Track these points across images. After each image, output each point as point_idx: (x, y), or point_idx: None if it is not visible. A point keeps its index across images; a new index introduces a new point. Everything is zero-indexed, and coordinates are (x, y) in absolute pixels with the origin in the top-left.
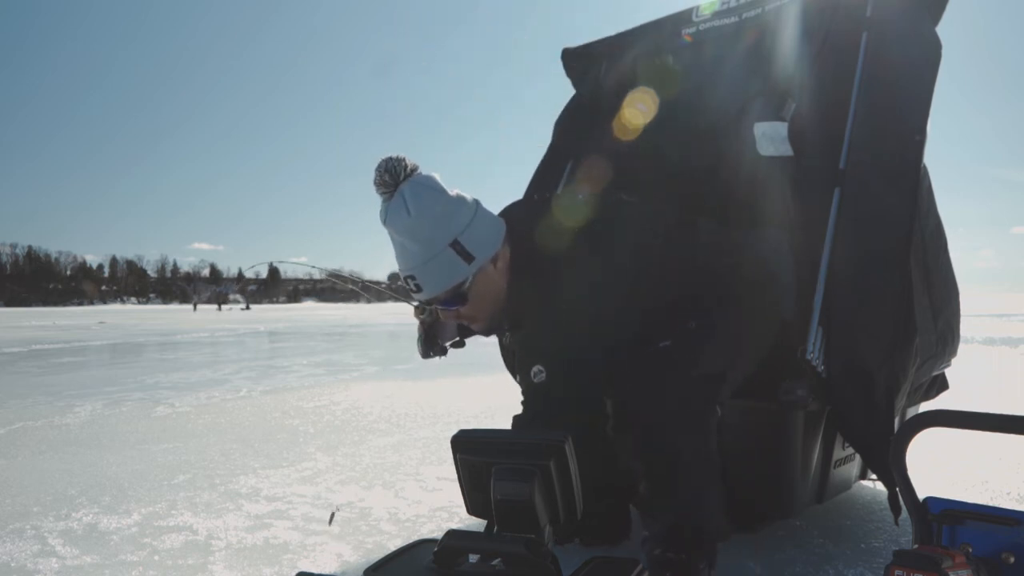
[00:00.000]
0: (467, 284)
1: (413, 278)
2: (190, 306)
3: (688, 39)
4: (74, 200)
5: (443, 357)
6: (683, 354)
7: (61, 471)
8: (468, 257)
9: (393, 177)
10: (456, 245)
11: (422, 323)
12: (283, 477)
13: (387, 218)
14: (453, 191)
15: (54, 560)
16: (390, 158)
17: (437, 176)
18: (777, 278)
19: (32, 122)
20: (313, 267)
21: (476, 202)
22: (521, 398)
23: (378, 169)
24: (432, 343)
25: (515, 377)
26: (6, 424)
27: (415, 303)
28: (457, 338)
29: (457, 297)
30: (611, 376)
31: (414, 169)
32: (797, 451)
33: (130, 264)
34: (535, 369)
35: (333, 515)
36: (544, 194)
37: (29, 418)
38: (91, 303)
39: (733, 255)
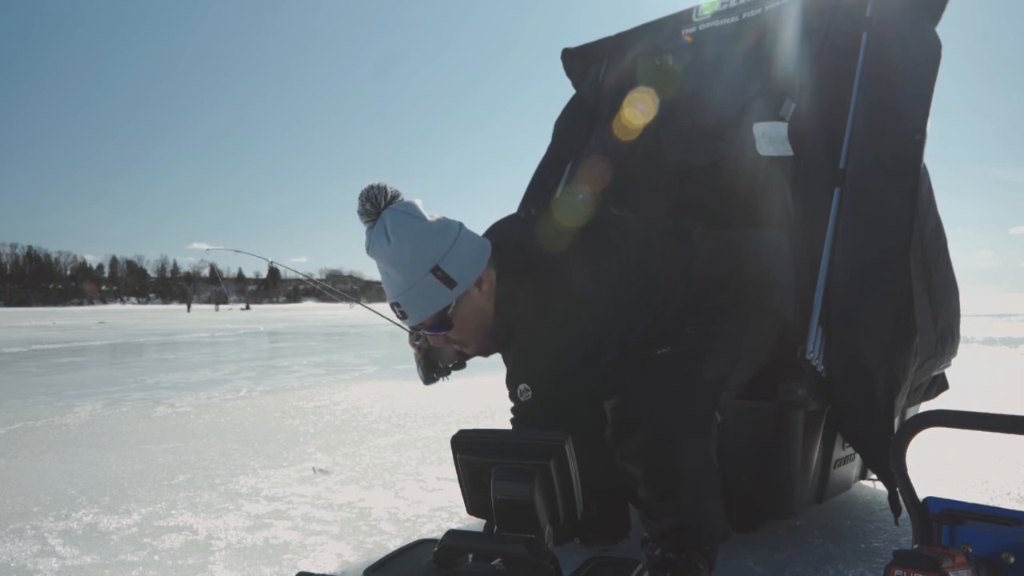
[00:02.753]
0: (451, 309)
1: (398, 305)
2: (183, 307)
3: (688, 39)
4: (74, 200)
5: (447, 380)
6: (683, 361)
7: (61, 471)
8: (450, 282)
9: (374, 205)
10: (437, 271)
11: (419, 349)
12: (283, 477)
13: (370, 247)
14: (434, 216)
15: (54, 560)
16: (372, 186)
17: (419, 202)
18: (778, 283)
19: (32, 122)
20: (301, 274)
21: (459, 225)
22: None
23: (360, 198)
24: (433, 367)
25: None
26: (6, 424)
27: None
28: (457, 360)
29: (442, 322)
30: (608, 385)
31: (395, 196)
32: (797, 451)
33: (130, 264)
34: (521, 387)
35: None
36: (530, 209)
37: (29, 418)
38: (91, 303)
39: (732, 262)
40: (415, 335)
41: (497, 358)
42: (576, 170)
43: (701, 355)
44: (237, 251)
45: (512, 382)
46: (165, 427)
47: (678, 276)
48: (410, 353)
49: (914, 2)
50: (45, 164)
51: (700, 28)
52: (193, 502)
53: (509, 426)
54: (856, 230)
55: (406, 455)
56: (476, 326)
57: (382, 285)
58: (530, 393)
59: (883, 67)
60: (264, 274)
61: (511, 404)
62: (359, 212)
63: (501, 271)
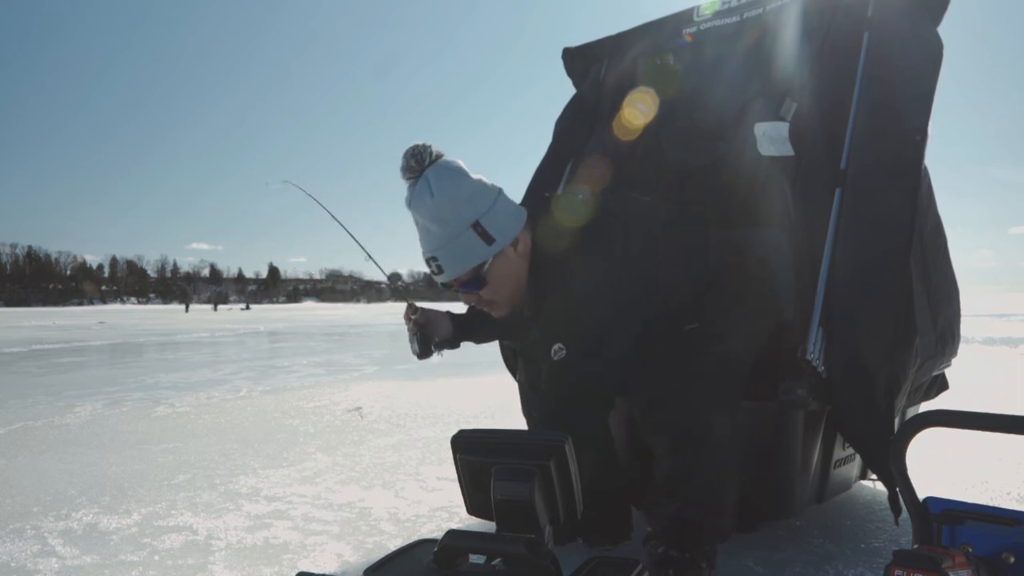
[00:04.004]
0: (487, 266)
1: (435, 259)
2: (182, 307)
3: (689, 39)
4: (74, 200)
5: (441, 356)
6: (711, 335)
7: (61, 471)
8: (489, 239)
9: (419, 162)
10: (477, 227)
11: (416, 323)
12: (283, 477)
13: (412, 201)
14: (476, 176)
15: (54, 560)
16: (416, 145)
17: (461, 162)
18: (776, 278)
19: (32, 122)
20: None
21: (499, 189)
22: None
23: (405, 155)
24: (429, 341)
25: (515, 376)
26: (6, 424)
27: (408, 302)
28: (450, 336)
29: (477, 279)
30: (635, 357)
31: (439, 156)
32: (797, 451)
33: (130, 264)
34: (556, 347)
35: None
36: (545, 194)
37: (29, 418)
38: (91, 303)
39: (735, 253)
40: (411, 310)
41: (497, 357)
42: (576, 170)
43: (727, 331)
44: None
45: (543, 344)
46: (165, 427)
47: (682, 267)
48: (411, 353)
49: (915, 2)
50: (45, 164)
51: (701, 28)
52: (193, 502)
53: (509, 426)
54: (857, 230)
55: (406, 455)
56: (510, 287)
57: (419, 239)
58: (564, 352)
59: (884, 67)
60: (264, 274)
61: (542, 373)
62: (403, 168)
63: (536, 236)
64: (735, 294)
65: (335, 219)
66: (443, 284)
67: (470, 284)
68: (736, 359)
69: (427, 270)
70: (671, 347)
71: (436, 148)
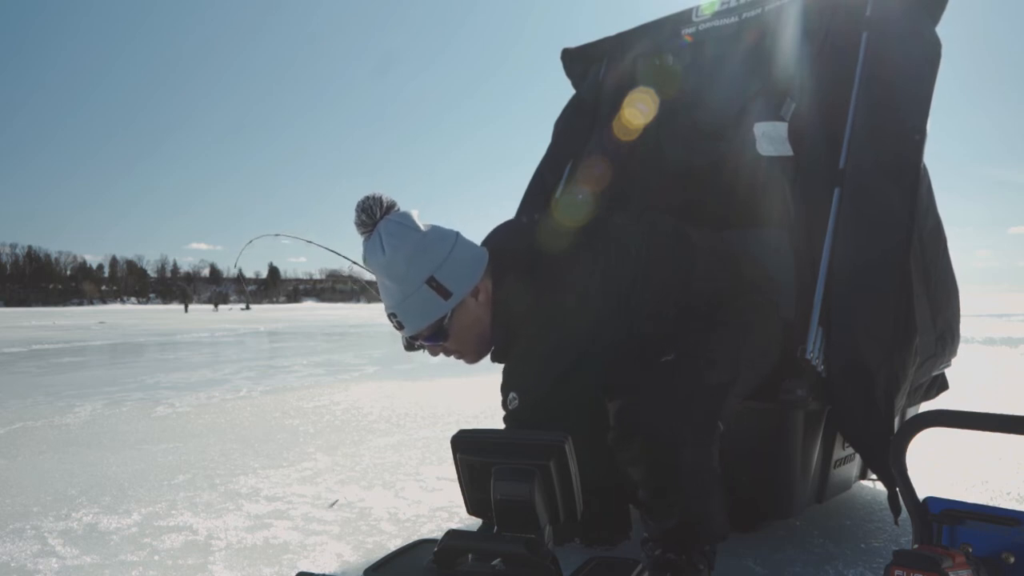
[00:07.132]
0: (447, 320)
1: (395, 315)
2: (182, 307)
3: (688, 39)
4: (74, 200)
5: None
6: (685, 366)
7: (61, 471)
8: (445, 293)
9: (370, 216)
10: (432, 282)
11: None
12: (283, 477)
13: (366, 257)
14: (429, 226)
15: (54, 560)
16: (368, 197)
17: (415, 213)
18: (776, 284)
19: (32, 122)
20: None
21: (455, 235)
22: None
23: (356, 209)
24: None
25: None
26: (6, 424)
27: None
28: None
29: (439, 333)
30: (603, 385)
31: (390, 207)
32: (797, 451)
33: (130, 264)
34: (510, 396)
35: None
36: (533, 215)
37: (29, 418)
38: (91, 303)
39: (732, 266)
40: None
41: None
42: (576, 170)
43: (703, 361)
44: (309, 241)
45: (503, 391)
46: (165, 427)
47: (677, 279)
48: (411, 354)
49: (914, 2)
50: (45, 164)
51: (700, 28)
52: (193, 502)
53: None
54: (856, 230)
55: (406, 455)
56: (473, 336)
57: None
58: (518, 401)
59: (883, 67)
60: (264, 274)
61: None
62: (355, 223)
63: (498, 280)
64: (730, 311)
65: (346, 258)
66: (407, 338)
67: (433, 338)
68: (714, 385)
69: None
70: (648, 378)
71: (387, 198)
